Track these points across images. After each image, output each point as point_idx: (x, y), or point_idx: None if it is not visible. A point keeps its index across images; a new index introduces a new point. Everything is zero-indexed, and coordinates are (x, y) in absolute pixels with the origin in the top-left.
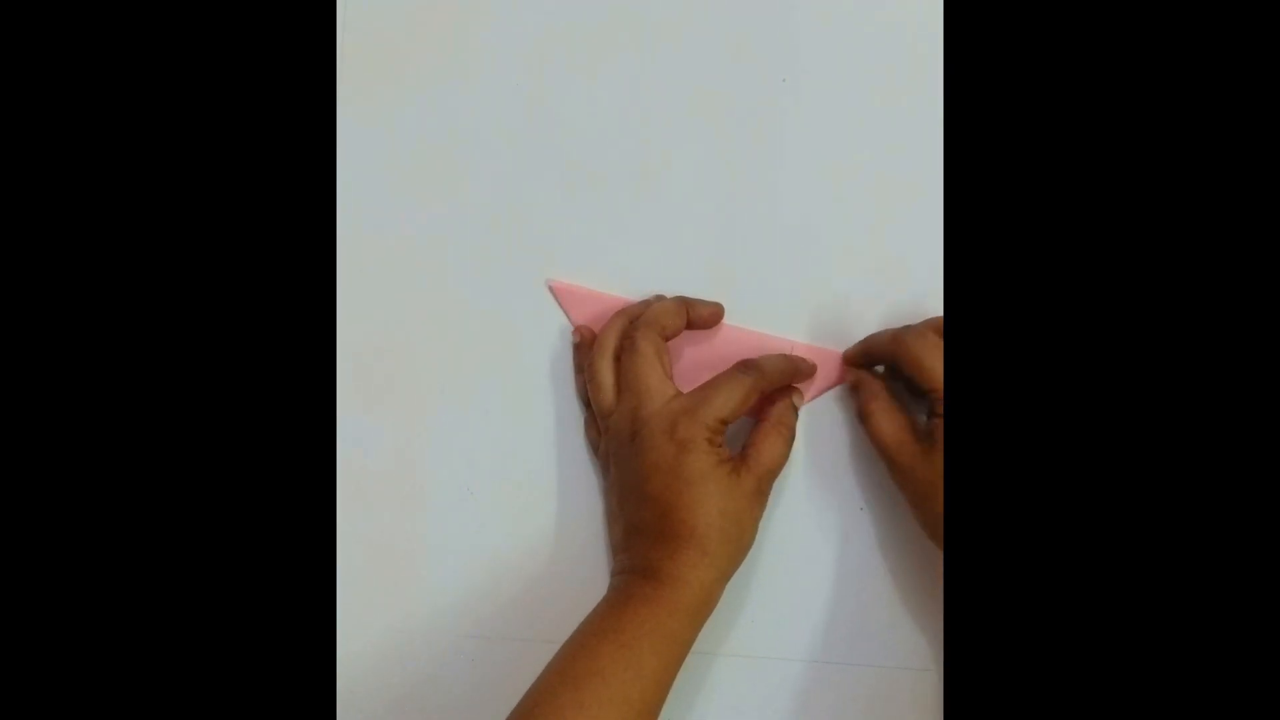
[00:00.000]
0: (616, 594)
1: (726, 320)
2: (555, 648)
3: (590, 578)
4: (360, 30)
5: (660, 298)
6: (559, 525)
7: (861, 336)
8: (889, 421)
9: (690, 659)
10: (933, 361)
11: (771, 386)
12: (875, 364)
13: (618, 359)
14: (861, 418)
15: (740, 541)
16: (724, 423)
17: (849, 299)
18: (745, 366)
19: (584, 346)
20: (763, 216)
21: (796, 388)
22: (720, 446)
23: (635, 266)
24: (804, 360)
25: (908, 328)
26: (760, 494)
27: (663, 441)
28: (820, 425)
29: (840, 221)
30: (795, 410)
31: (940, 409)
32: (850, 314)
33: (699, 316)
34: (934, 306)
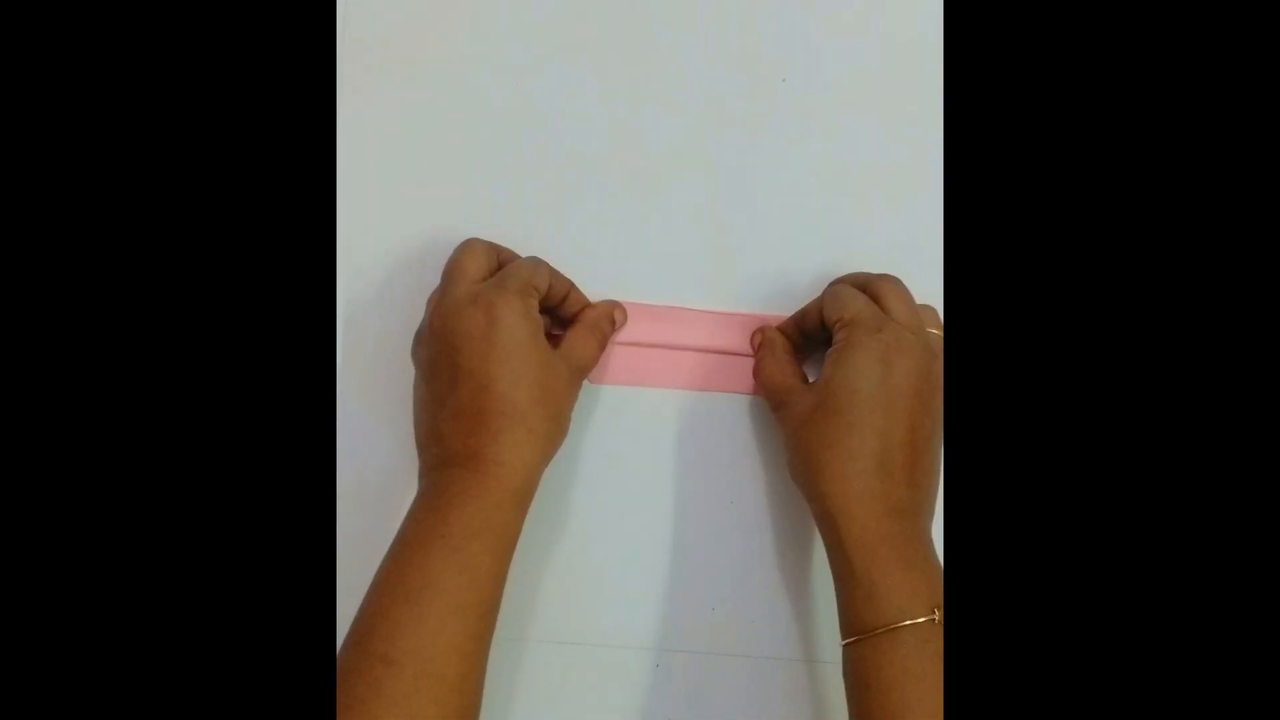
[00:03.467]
0: (437, 492)
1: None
2: (559, 648)
3: (592, 578)
4: (360, 29)
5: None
6: (559, 525)
7: None
8: (779, 368)
9: (689, 658)
10: (850, 298)
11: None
12: (805, 330)
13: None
14: (755, 370)
15: (560, 421)
16: (535, 289)
17: None
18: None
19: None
20: (762, 216)
21: (619, 304)
22: (537, 315)
23: (634, 266)
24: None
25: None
26: (575, 384)
27: (471, 311)
28: None
29: (840, 221)
30: (612, 321)
31: (841, 334)
32: None
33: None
34: (934, 304)
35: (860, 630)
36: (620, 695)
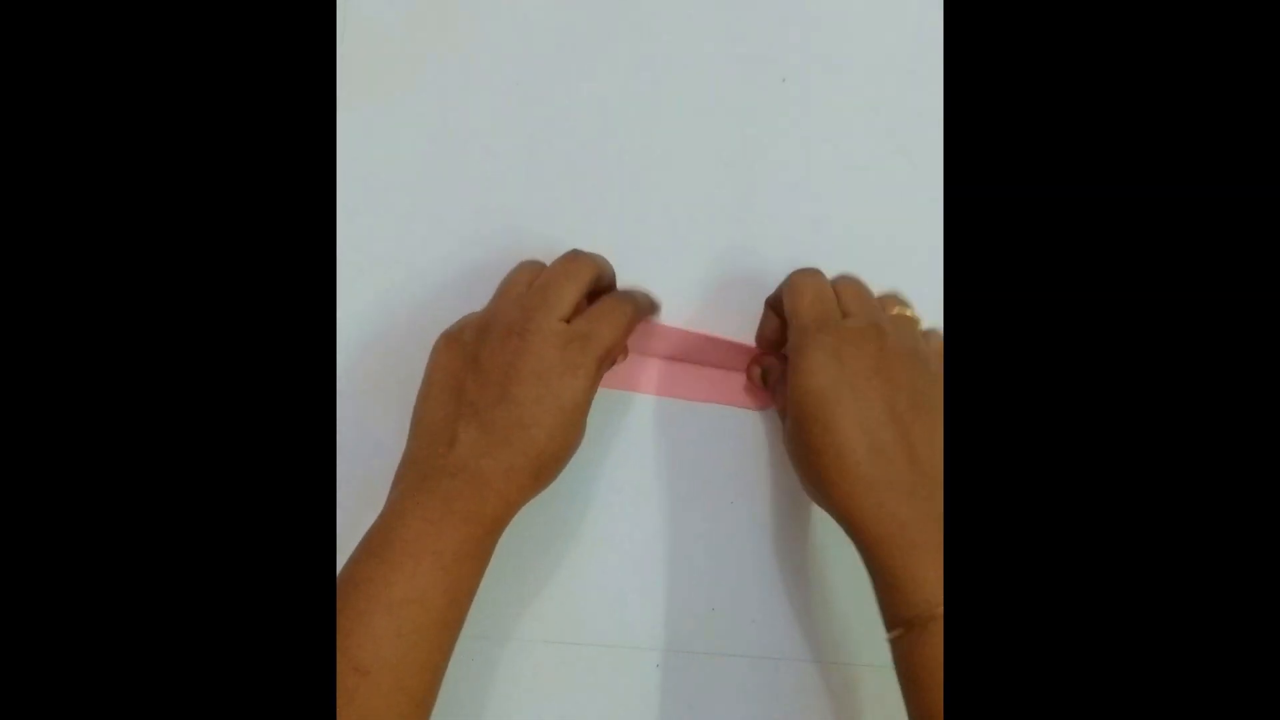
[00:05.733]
0: (436, 503)
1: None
2: (559, 648)
3: (594, 579)
4: (360, 29)
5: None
6: (561, 525)
7: None
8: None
9: (689, 658)
10: (799, 294)
11: (643, 317)
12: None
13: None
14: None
15: (566, 459)
16: (612, 357)
17: None
18: (621, 296)
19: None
20: (762, 216)
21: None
22: (598, 383)
23: (633, 267)
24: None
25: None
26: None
27: (553, 354)
28: None
29: (840, 222)
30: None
31: (791, 339)
32: None
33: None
34: (934, 305)
35: (896, 625)
36: (620, 695)
